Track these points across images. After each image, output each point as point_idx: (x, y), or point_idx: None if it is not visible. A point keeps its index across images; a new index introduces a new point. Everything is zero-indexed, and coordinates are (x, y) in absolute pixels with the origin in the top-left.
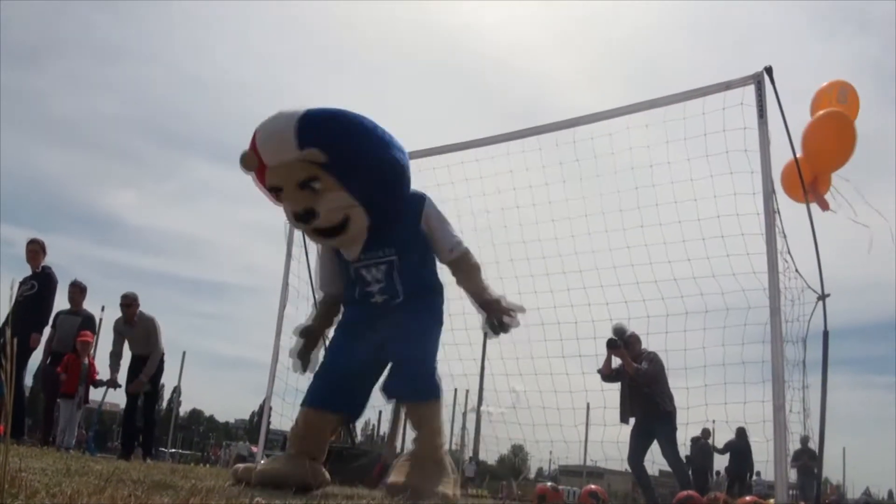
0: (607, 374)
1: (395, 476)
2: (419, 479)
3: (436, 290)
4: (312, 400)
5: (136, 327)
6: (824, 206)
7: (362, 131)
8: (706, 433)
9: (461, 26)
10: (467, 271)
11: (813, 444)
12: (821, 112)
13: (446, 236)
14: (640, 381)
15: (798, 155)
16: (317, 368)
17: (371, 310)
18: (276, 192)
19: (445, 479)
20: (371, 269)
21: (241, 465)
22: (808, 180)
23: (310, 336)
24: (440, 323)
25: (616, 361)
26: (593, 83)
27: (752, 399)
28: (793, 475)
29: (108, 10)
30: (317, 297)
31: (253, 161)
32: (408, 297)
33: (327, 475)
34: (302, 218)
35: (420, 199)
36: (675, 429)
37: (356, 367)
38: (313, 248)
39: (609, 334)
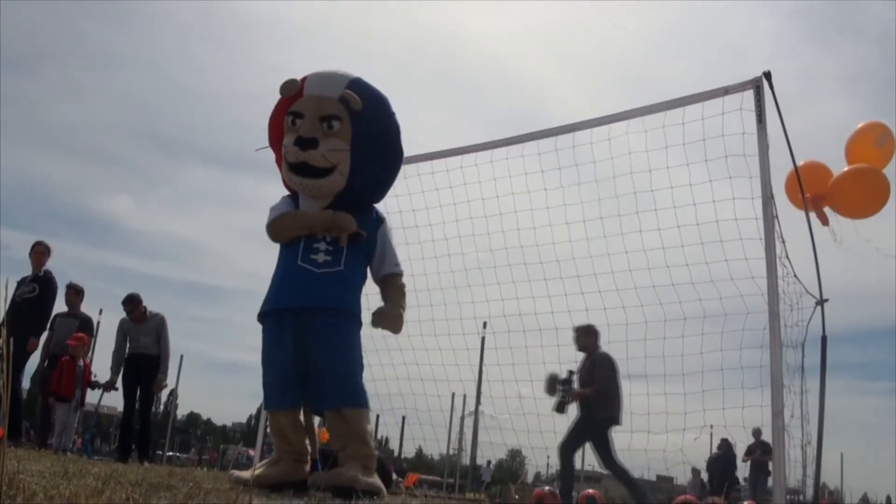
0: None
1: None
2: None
3: (357, 305)
4: (272, 403)
5: (147, 324)
6: (824, 220)
7: (393, 121)
8: (727, 443)
9: (456, 34)
10: (400, 288)
11: (766, 438)
12: (863, 166)
13: (395, 254)
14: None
15: (798, 163)
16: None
17: (312, 280)
18: (294, 119)
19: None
20: (326, 237)
21: (238, 472)
22: (812, 194)
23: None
24: (361, 324)
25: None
26: (586, 90)
27: (751, 404)
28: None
29: (102, 19)
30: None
31: (293, 87)
32: (348, 269)
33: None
34: (304, 143)
35: (382, 217)
36: (602, 437)
37: (296, 360)
38: None
39: (607, 336)
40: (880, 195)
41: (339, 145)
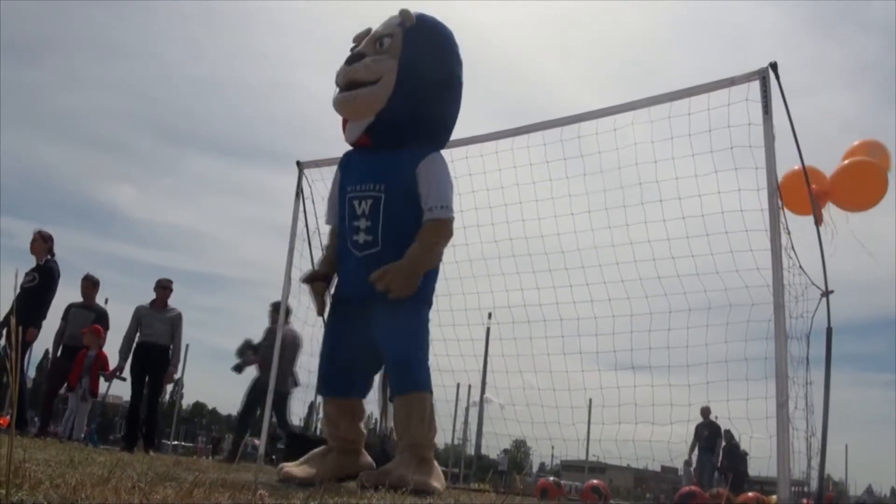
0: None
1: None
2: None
3: None
4: (322, 390)
5: (164, 313)
6: (819, 219)
7: (451, 48)
8: (730, 435)
9: (461, 25)
10: (424, 234)
11: (715, 418)
12: (861, 158)
13: (433, 193)
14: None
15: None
16: (320, 355)
17: (356, 266)
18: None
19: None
20: (360, 203)
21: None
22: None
23: (315, 280)
24: (427, 303)
25: None
26: (591, 81)
27: (755, 396)
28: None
29: (105, 8)
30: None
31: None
32: (387, 247)
33: (368, 462)
34: (351, 59)
35: (429, 151)
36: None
37: (350, 349)
38: (316, 241)
39: (612, 327)
40: (879, 186)
41: (385, 62)
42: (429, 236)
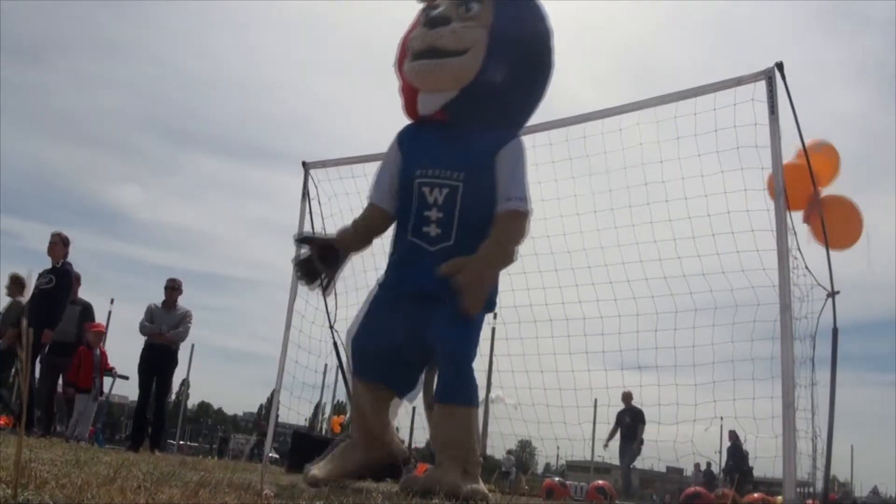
0: None
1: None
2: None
3: None
4: (361, 372)
5: (173, 313)
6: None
7: (544, 22)
8: (734, 435)
9: None
10: (504, 227)
11: (638, 404)
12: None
13: (514, 182)
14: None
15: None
16: (355, 333)
17: (423, 260)
18: (428, 12)
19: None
20: (434, 190)
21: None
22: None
23: (316, 244)
24: (490, 308)
25: None
26: (596, 81)
27: (761, 395)
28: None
29: (110, 8)
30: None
31: None
32: (461, 242)
33: (400, 449)
34: (434, 21)
35: (511, 136)
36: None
37: (398, 340)
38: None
39: (618, 327)
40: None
41: (475, 29)
42: (506, 230)
